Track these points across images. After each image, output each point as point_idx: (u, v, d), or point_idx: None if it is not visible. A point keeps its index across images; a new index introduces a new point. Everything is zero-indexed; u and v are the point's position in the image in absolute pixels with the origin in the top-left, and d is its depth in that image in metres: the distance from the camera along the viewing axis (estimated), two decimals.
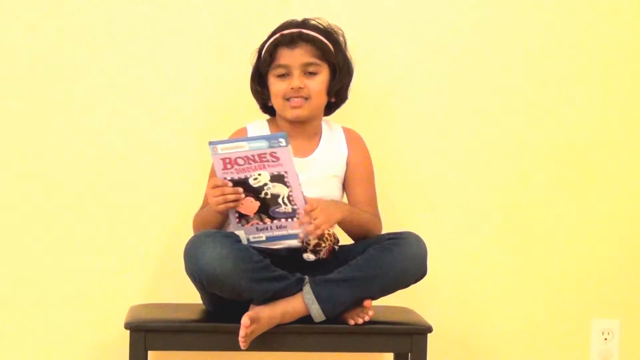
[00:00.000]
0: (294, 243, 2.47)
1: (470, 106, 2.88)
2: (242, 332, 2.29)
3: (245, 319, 2.29)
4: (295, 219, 2.34)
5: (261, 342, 2.35)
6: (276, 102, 2.53)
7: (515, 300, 2.91)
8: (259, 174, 2.30)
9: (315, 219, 2.34)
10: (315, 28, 2.55)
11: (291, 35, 2.51)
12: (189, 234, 2.44)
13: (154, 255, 2.79)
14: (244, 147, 2.27)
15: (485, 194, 2.90)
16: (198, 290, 2.44)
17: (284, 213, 2.34)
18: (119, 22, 2.77)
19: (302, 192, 2.32)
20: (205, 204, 2.49)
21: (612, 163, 2.93)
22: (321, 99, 2.55)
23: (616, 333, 2.93)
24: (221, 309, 2.43)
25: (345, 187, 2.59)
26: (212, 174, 2.41)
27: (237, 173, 2.31)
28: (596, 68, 2.91)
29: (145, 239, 2.79)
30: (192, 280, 2.37)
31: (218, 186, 2.33)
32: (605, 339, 2.93)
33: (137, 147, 2.77)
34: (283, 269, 2.37)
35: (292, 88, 2.50)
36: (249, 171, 2.30)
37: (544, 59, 2.90)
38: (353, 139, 2.61)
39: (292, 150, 2.29)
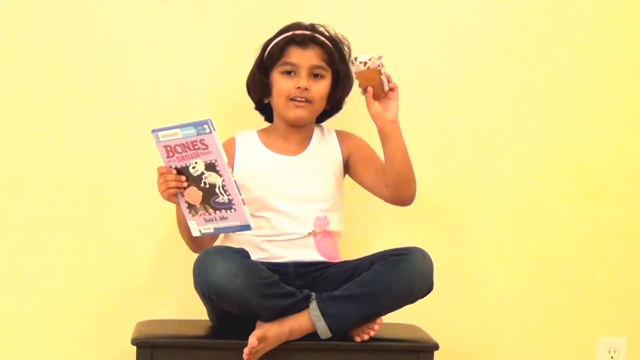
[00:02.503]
0: (300, 257, 2.50)
1: (475, 121, 2.89)
2: (246, 350, 2.30)
3: (252, 339, 2.29)
4: (233, 210, 2.32)
5: None
6: (278, 100, 2.55)
7: (521, 318, 2.91)
8: (196, 163, 2.31)
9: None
10: (324, 34, 2.59)
11: (304, 35, 2.55)
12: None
13: (161, 271, 2.79)
14: (178, 135, 2.28)
15: (491, 210, 2.90)
16: (206, 306, 2.44)
17: (223, 204, 2.32)
18: (122, 22, 2.77)
19: (235, 182, 2.30)
20: None
21: (619, 180, 2.93)
22: (322, 104, 2.58)
23: (622, 351, 2.93)
24: (228, 325, 2.43)
25: (359, 176, 2.60)
26: None
27: (179, 161, 2.32)
28: (602, 84, 2.93)
29: (153, 255, 2.79)
30: (201, 296, 2.37)
31: (162, 174, 2.35)
32: (612, 357, 2.92)
33: (149, 154, 2.76)
34: (290, 285, 2.38)
35: (298, 87, 2.52)
36: (188, 159, 2.31)
37: (550, 77, 2.91)
38: (344, 135, 2.64)
39: (218, 138, 2.28)
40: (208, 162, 2.29)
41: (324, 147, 2.62)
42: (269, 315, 2.34)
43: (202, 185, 2.32)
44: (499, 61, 2.90)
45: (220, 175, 2.29)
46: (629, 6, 2.92)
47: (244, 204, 2.31)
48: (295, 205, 2.53)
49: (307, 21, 2.61)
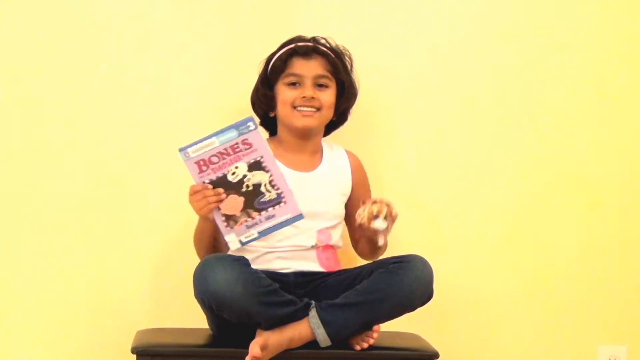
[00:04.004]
0: (301, 267, 2.50)
1: (475, 129, 2.89)
2: (248, 358, 2.30)
3: (254, 347, 2.30)
4: (282, 204, 2.31)
5: None
6: (284, 110, 2.55)
7: (521, 327, 2.91)
8: (236, 167, 2.28)
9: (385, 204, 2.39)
10: (325, 45, 2.60)
11: (306, 47, 2.56)
12: (198, 258, 2.45)
13: (161, 279, 2.79)
14: (215, 144, 2.25)
15: (491, 218, 2.90)
16: (206, 314, 2.44)
17: (270, 201, 2.30)
18: (127, 24, 2.77)
19: (282, 174, 2.29)
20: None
21: (618, 188, 2.93)
22: (330, 113, 2.58)
23: (623, 359, 2.93)
24: (228, 333, 2.43)
25: (350, 207, 2.61)
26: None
27: (214, 172, 2.29)
28: (603, 91, 2.92)
29: (153, 263, 2.79)
30: (200, 304, 2.37)
31: (198, 191, 2.33)
32: None
33: (150, 164, 2.78)
34: (290, 294, 2.38)
35: (303, 97, 2.53)
36: (225, 167, 2.28)
37: (551, 84, 2.91)
38: (355, 162, 2.65)
39: (262, 133, 2.26)
40: (252, 161, 2.27)
41: (335, 166, 2.62)
42: (269, 323, 2.34)
43: (244, 189, 2.30)
44: (499, 67, 2.89)
45: (267, 171, 2.28)
46: (633, 8, 2.93)
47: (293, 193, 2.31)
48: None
49: (305, 32, 2.62)
